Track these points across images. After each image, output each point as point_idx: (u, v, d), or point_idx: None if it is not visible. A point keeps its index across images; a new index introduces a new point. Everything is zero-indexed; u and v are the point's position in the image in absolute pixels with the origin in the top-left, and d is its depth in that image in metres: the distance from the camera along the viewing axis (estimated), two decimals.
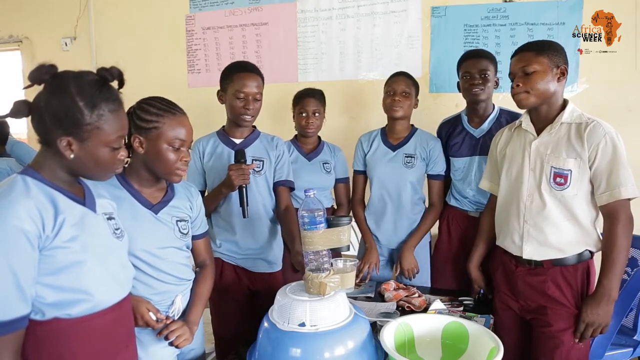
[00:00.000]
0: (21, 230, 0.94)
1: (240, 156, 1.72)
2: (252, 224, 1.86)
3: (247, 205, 1.73)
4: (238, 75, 1.79)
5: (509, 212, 1.66)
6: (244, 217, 1.73)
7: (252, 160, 1.83)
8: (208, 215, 1.83)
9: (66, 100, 1.00)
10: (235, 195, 1.80)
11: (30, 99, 1.05)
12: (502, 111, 2.09)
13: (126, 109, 1.15)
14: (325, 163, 2.28)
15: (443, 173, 2.16)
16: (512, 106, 2.10)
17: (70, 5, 3.57)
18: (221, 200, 1.83)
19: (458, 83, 2.12)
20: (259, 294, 1.91)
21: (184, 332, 1.36)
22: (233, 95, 1.78)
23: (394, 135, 2.19)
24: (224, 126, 1.93)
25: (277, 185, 1.91)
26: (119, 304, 1.13)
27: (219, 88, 1.87)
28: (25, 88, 1.06)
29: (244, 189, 1.71)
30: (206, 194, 1.89)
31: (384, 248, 2.22)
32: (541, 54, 1.54)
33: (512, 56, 1.63)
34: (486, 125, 2.06)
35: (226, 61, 3.23)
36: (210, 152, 1.87)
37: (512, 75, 1.61)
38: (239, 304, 1.89)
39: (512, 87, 1.59)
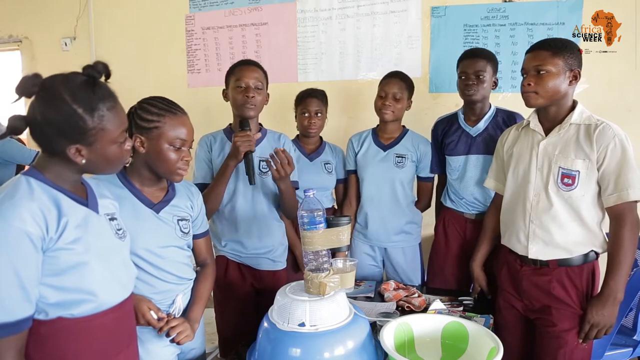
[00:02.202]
0: (25, 233, 0.95)
1: (245, 125, 1.74)
2: (257, 223, 1.87)
3: (254, 173, 1.74)
4: (239, 68, 1.84)
5: (515, 211, 1.66)
6: (251, 183, 1.75)
7: (260, 161, 1.84)
8: (214, 209, 1.81)
9: (64, 109, 0.99)
10: (240, 194, 1.82)
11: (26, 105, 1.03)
12: (498, 110, 2.09)
13: (126, 110, 1.15)
14: (327, 163, 2.28)
15: (432, 175, 2.23)
16: (512, 107, 2.12)
17: (70, 5, 3.57)
18: (229, 177, 1.77)
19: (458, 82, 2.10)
20: (263, 292, 1.92)
21: (185, 328, 1.36)
22: (234, 86, 1.81)
23: (385, 135, 2.20)
24: (230, 124, 1.94)
25: None
26: (121, 304, 1.14)
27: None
28: (13, 102, 1.04)
29: (250, 156, 1.72)
30: None
31: (374, 247, 2.24)
32: (557, 55, 1.51)
33: (528, 51, 1.59)
34: (482, 124, 2.05)
35: (226, 61, 3.26)
36: (218, 149, 1.88)
37: (524, 71, 1.59)
38: (242, 301, 1.90)
39: (522, 84, 1.58)
